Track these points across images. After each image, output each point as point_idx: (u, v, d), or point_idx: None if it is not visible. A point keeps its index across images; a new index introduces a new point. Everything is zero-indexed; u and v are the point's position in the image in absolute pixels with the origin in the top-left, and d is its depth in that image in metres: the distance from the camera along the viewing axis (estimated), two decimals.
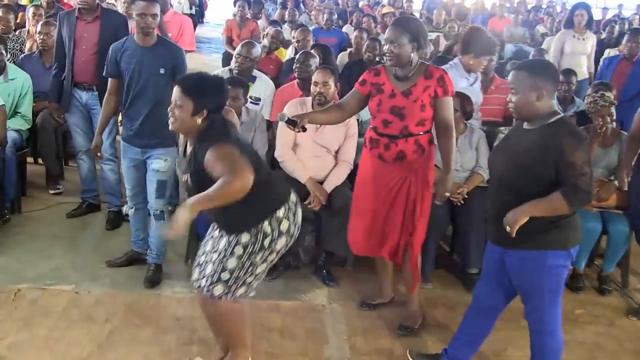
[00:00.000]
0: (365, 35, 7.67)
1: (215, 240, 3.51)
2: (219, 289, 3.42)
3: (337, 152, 5.04)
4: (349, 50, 8.25)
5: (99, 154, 5.00)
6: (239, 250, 3.37)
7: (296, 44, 7.47)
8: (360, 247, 4.47)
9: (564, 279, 3.51)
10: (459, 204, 4.89)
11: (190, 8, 13.70)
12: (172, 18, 5.57)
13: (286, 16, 11.16)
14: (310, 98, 5.04)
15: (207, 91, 3.34)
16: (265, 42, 7.75)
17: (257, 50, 5.88)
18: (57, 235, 5.45)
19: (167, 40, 5.07)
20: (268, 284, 4.74)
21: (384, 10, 12.65)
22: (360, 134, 5.03)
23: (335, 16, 10.96)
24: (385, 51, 4.07)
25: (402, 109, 4.05)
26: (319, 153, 4.99)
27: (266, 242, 3.38)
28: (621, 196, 5.02)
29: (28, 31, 7.37)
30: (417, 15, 13.30)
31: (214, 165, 3.16)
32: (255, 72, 5.90)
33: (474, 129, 5.14)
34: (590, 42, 8.42)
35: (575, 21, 8.37)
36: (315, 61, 5.75)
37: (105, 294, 4.60)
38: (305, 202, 4.76)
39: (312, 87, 4.95)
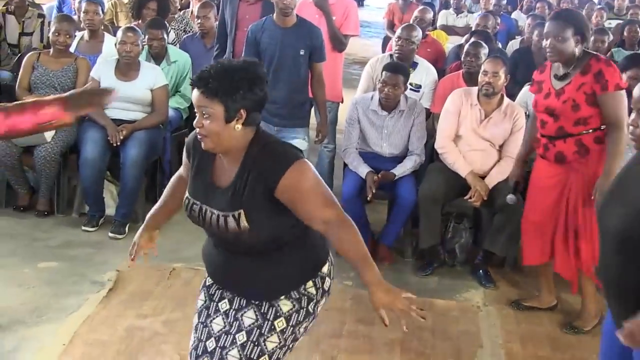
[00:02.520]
0: (537, 23, 7.39)
1: (226, 316, 2.66)
2: None
3: (501, 146, 4.94)
4: (520, 38, 8.05)
5: None
6: (280, 324, 2.58)
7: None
8: (530, 257, 4.43)
9: None
10: None
11: None
12: (337, 0, 5.64)
13: (452, 1, 11.02)
14: (475, 88, 4.97)
15: (237, 84, 2.41)
16: None
17: (419, 33, 5.84)
18: None
19: (307, 20, 5.16)
20: (421, 280, 4.77)
21: None
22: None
23: (505, 1, 10.73)
24: (547, 46, 3.99)
25: (554, 110, 4.01)
26: (481, 146, 4.92)
27: (311, 307, 2.64)
28: None
29: (192, 12, 7.65)
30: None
31: (305, 198, 2.43)
32: (417, 58, 5.86)
33: None
34: None
35: None
36: (485, 52, 5.66)
37: None
38: (465, 197, 4.73)
39: (481, 76, 4.87)
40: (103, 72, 5.43)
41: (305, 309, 2.61)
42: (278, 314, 2.58)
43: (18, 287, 4.37)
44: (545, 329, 4.42)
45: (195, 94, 2.42)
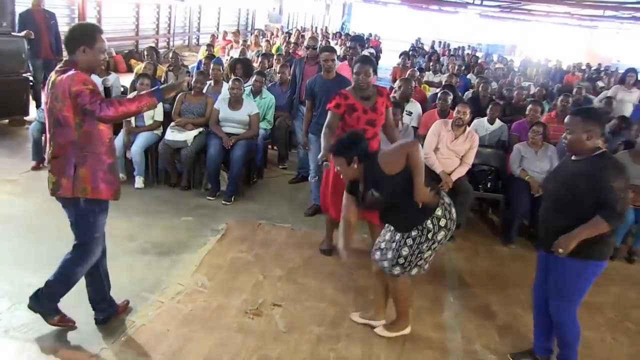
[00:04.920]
0: (483, 81, 7.49)
1: (392, 233, 3.17)
2: (397, 270, 3.12)
3: (462, 157, 4.95)
4: (472, 90, 8.15)
5: (307, 148, 5.03)
6: (409, 241, 3.06)
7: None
8: (332, 212, 4.16)
9: (591, 283, 2.89)
10: None
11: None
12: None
13: (430, 66, 11.19)
14: (450, 120, 5.00)
15: (347, 147, 3.03)
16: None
17: (412, 83, 6.02)
18: (282, 193, 5.66)
19: (342, 75, 5.05)
20: None
21: (497, 65, 12.89)
22: None
23: (463, 67, 11.19)
24: (360, 80, 3.88)
25: (375, 120, 3.95)
26: (449, 156, 4.93)
27: (429, 235, 3.03)
28: None
29: (274, 70, 7.69)
30: (516, 69, 13.34)
31: (391, 157, 2.92)
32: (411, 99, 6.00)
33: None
34: (635, 94, 7.92)
35: (627, 80, 7.94)
36: (450, 98, 5.71)
37: (308, 232, 4.71)
38: (439, 185, 4.69)
39: (455, 114, 4.91)
40: (221, 105, 5.45)
41: (425, 236, 3.03)
42: (409, 236, 3.06)
43: (171, 230, 4.47)
44: (482, 268, 4.45)
45: (337, 159, 3.04)
